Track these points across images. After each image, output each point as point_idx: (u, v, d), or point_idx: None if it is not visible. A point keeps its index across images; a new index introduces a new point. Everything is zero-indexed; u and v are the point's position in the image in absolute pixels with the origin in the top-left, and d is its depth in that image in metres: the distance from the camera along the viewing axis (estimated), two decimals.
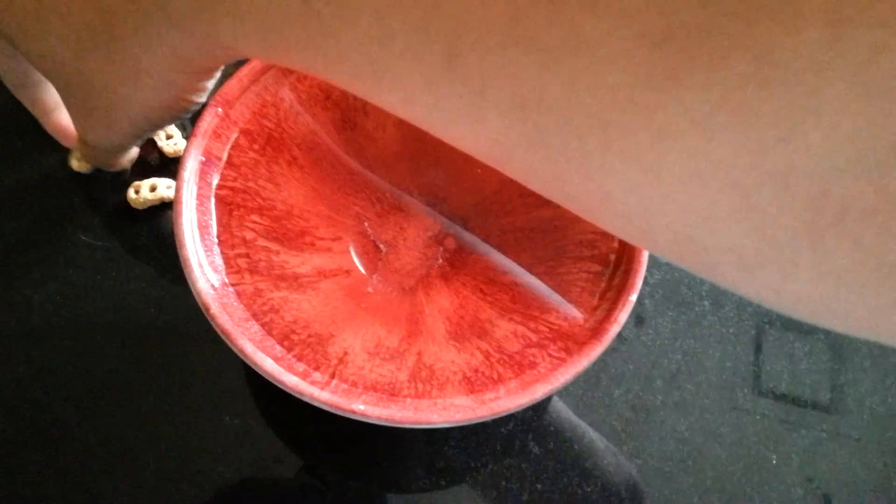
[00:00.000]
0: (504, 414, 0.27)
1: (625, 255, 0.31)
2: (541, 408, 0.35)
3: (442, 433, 0.34)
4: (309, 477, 0.33)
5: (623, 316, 0.29)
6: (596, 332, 0.29)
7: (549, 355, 0.29)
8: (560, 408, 0.35)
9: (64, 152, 0.39)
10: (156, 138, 0.40)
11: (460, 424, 0.27)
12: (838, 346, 0.38)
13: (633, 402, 0.36)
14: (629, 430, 0.35)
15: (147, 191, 0.38)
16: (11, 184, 0.38)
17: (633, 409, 0.36)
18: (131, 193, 0.38)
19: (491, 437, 0.34)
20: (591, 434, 0.35)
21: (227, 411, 0.34)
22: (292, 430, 0.34)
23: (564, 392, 0.36)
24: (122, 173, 0.39)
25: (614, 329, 0.29)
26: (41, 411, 0.33)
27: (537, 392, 0.27)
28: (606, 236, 0.32)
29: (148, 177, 0.38)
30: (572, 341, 0.29)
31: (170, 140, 0.39)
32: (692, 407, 0.36)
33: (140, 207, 0.38)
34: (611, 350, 0.37)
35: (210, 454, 0.33)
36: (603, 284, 0.31)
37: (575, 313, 0.31)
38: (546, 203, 0.35)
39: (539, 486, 0.34)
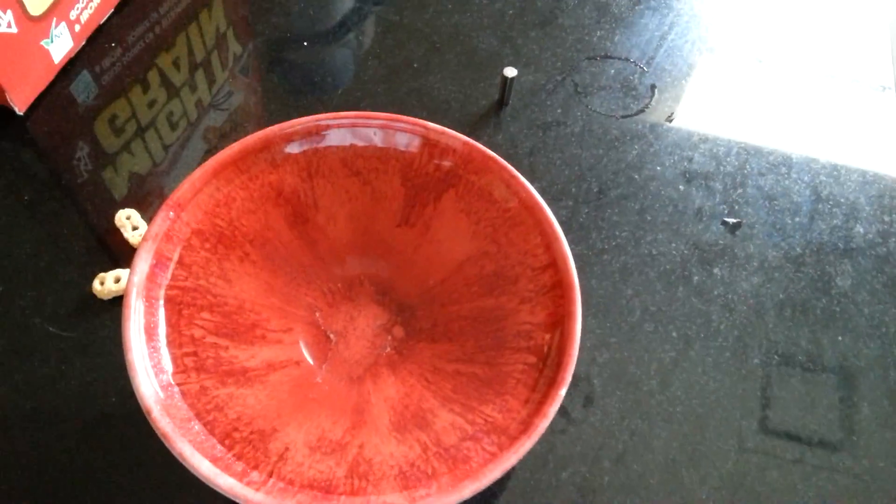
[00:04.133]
0: None
1: (556, 348, 0.32)
2: (487, 492, 0.36)
3: None
4: None
5: (552, 410, 0.30)
6: (526, 426, 0.30)
7: (483, 449, 0.30)
8: (507, 491, 0.36)
9: (32, 242, 0.41)
10: (122, 230, 0.42)
11: None
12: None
13: (579, 483, 0.37)
14: None
15: (112, 282, 0.39)
16: None
17: (580, 492, 0.36)
18: (96, 285, 0.39)
19: None
20: None
21: (184, 501, 0.35)
22: None
23: (511, 474, 0.37)
24: (87, 265, 0.41)
25: (543, 424, 0.30)
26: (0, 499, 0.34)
27: (465, 490, 0.28)
28: (541, 328, 0.33)
29: (113, 268, 0.40)
30: (505, 435, 0.30)
31: (135, 231, 0.41)
32: (638, 488, 0.37)
33: (105, 298, 0.39)
34: (559, 431, 0.38)
35: None
36: (536, 377, 0.32)
37: (510, 405, 0.32)
38: (488, 293, 0.36)
39: None
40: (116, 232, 0.42)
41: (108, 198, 0.44)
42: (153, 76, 0.53)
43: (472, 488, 0.28)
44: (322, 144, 0.37)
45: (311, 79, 0.51)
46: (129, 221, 0.42)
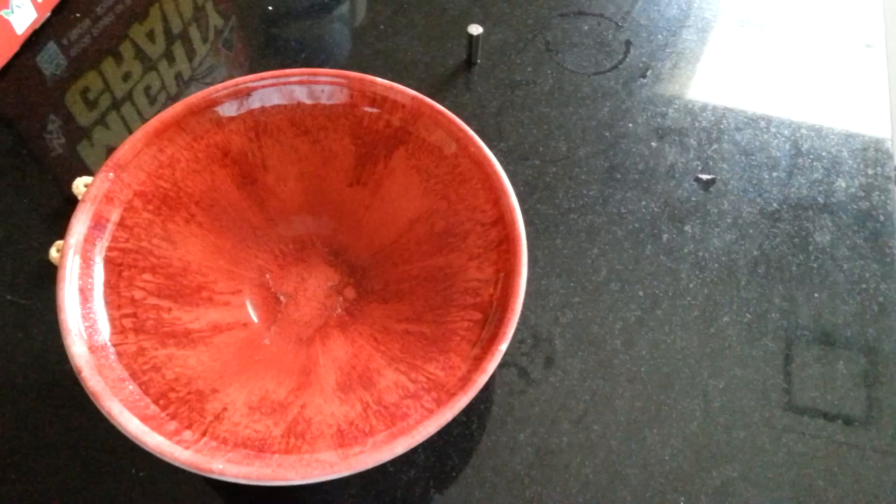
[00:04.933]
0: (363, 469, 0.27)
1: (499, 304, 0.31)
2: (444, 454, 0.35)
3: (343, 480, 0.35)
4: None
5: (491, 366, 0.29)
6: (465, 382, 0.29)
7: (422, 406, 0.30)
8: (462, 452, 0.35)
9: None
10: (78, 196, 0.41)
11: (318, 481, 0.27)
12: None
13: (537, 445, 0.36)
14: (532, 474, 0.35)
15: None
16: None
17: (538, 453, 0.36)
18: (53, 252, 0.39)
19: (392, 484, 0.35)
20: (494, 479, 0.35)
21: (136, 465, 0.35)
22: (198, 482, 0.34)
23: (468, 436, 0.36)
24: (46, 234, 0.41)
25: (482, 379, 0.29)
26: None
27: (397, 447, 0.27)
28: (487, 284, 0.32)
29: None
30: (444, 392, 0.30)
31: None
32: (598, 449, 0.36)
33: None
34: (518, 392, 0.37)
35: None
36: (479, 332, 0.31)
37: (453, 363, 0.31)
38: (438, 251, 0.35)
39: None
40: (75, 200, 0.42)
41: (76, 168, 0.44)
42: (126, 48, 0.53)
43: (404, 444, 0.28)
44: (267, 104, 0.36)
45: (303, 46, 0.50)
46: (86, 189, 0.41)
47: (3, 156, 0.44)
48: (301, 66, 0.49)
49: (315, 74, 0.35)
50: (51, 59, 0.50)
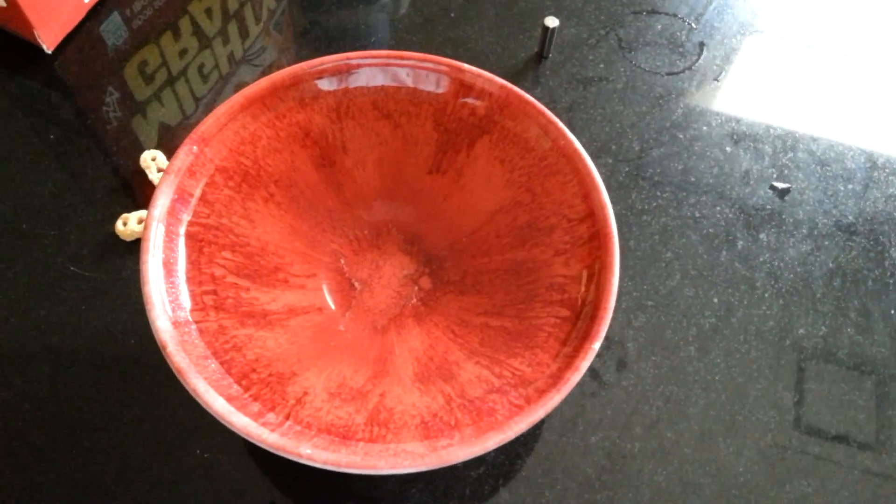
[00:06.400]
0: (454, 463, 0.26)
1: (591, 301, 0.30)
2: (513, 453, 0.35)
3: (410, 474, 0.34)
4: None
5: (584, 364, 0.28)
6: (556, 380, 0.28)
7: (510, 402, 0.29)
8: (532, 453, 0.35)
9: (56, 182, 0.40)
10: (147, 171, 0.41)
11: (408, 472, 0.26)
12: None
13: (609, 449, 0.35)
14: (603, 478, 0.34)
15: (135, 223, 0.38)
16: (6, 210, 0.40)
17: (609, 457, 0.35)
18: (119, 226, 0.38)
19: (460, 480, 0.34)
20: (564, 482, 0.34)
21: (199, 444, 0.34)
22: (261, 467, 0.34)
23: (538, 436, 0.35)
24: (111, 206, 0.40)
25: (574, 377, 0.28)
26: (16, 437, 0.34)
27: (489, 441, 0.27)
28: (576, 281, 0.31)
29: (137, 210, 0.39)
30: (533, 389, 0.29)
31: (160, 173, 0.40)
32: (671, 456, 0.35)
33: (128, 239, 0.39)
34: (590, 394, 0.36)
35: (178, 487, 0.33)
36: (569, 330, 0.30)
37: (540, 359, 0.30)
38: (521, 245, 0.34)
39: None
40: (141, 173, 0.41)
41: (135, 142, 0.43)
42: (185, 24, 0.52)
43: (496, 440, 0.27)
44: (352, 84, 0.35)
45: (345, 34, 0.49)
46: (154, 163, 0.41)
47: (67, 126, 0.44)
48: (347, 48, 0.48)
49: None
50: (114, 30, 0.49)
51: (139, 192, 0.41)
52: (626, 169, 0.43)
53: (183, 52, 0.50)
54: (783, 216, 0.42)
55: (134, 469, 0.33)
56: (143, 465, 0.33)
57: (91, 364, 0.36)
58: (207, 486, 0.33)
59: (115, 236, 0.39)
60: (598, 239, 0.31)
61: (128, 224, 0.38)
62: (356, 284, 0.35)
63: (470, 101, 0.35)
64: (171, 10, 0.51)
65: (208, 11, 0.53)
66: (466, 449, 0.27)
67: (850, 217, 0.43)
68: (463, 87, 0.35)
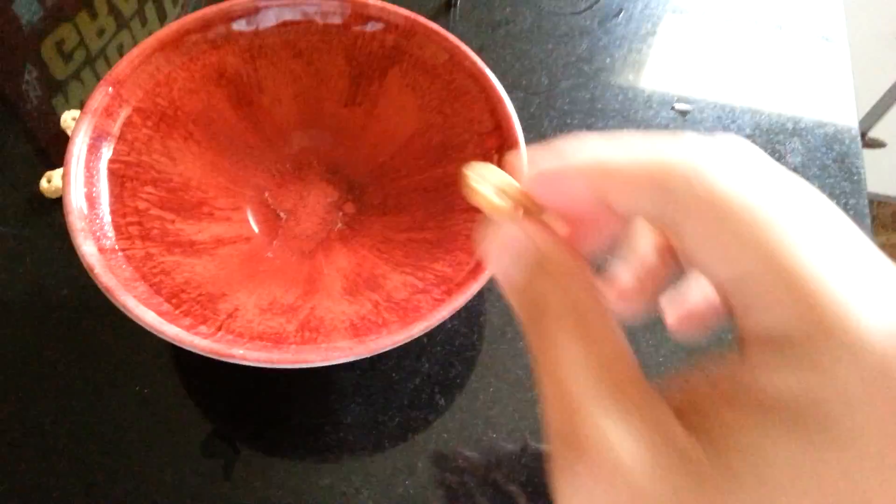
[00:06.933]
0: (383, 350, 0.28)
1: None
2: (447, 363, 0.36)
3: (349, 390, 0.35)
4: (218, 441, 0.34)
5: None
6: (474, 272, 0.30)
7: (433, 298, 0.31)
8: (466, 361, 0.36)
9: None
10: (68, 131, 0.41)
11: (339, 362, 0.28)
12: None
13: None
14: (533, 376, 0.36)
15: (58, 179, 0.39)
16: None
17: None
18: (44, 183, 0.39)
19: (398, 392, 0.35)
20: (497, 384, 0.36)
21: (138, 381, 0.35)
22: (203, 397, 0.35)
23: (470, 347, 0.37)
24: (35, 167, 0.40)
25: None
26: None
27: (414, 329, 0.28)
28: None
29: (59, 166, 0.40)
30: (453, 283, 0.31)
31: None
32: None
33: (53, 196, 0.39)
34: None
35: (120, 422, 0.34)
36: None
37: (460, 260, 0.32)
38: (437, 163, 0.36)
39: (445, 436, 0.35)
40: (63, 135, 0.41)
41: (55, 112, 0.44)
42: (100, 3, 0.52)
43: (420, 327, 0.28)
44: (262, 25, 0.36)
45: None
46: (75, 122, 0.41)
47: None
48: None
49: None
50: (27, 6, 0.50)
51: (62, 152, 0.41)
52: (538, 101, 0.46)
53: (100, 32, 0.51)
54: (686, 133, 0.45)
55: (76, 411, 0.34)
56: (85, 406, 0.34)
57: (25, 317, 0.36)
58: (145, 421, 0.34)
59: (40, 195, 0.39)
60: (506, 147, 0.33)
61: (52, 181, 0.39)
62: (281, 214, 0.37)
63: (378, 29, 0.37)
64: None
65: None
66: (393, 338, 0.28)
67: (748, 129, 0.45)
68: (370, 20, 0.37)
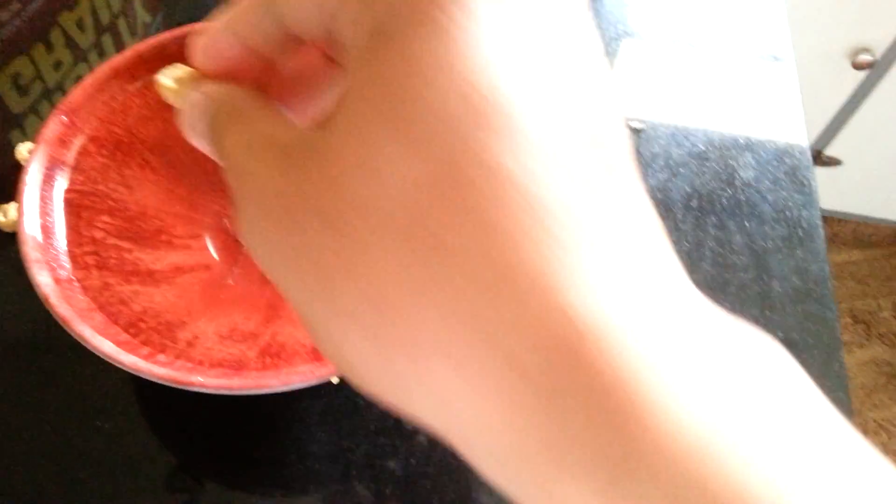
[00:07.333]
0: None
1: None
2: None
3: (314, 419, 0.35)
4: (183, 475, 0.33)
5: None
6: None
7: None
8: None
9: None
10: (23, 163, 0.40)
11: (300, 386, 0.28)
12: None
13: None
14: None
15: (14, 212, 0.38)
16: None
17: None
18: (0, 217, 0.38)
19: (364, 418, 0.35)
20: None
21: (100, 415, 0.34)
22: (166, 431, 0.34)
23: None
24: None
25: None
26: None
27: None
28: None
29: (15, 200, 0.39)
30: None
31: None
32: None
33: (9, 230, 0.38)
34: None
35: (81, 457, 0.33)
36: None
37: None
38: None
39: (413, 462, 0.34)
40: (19, 167, 0.41)
41: (12, 146, 0.43)
42: (56, 36, 0.52)
43: None
44: None
45: None
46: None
47: None
48: None
49: None
50: None
51: (18, 184, 0.40)
52: None
53: (57, 65, 0.50)
54: (640, 151, 0.46)
55: (36, 450, 0.33)
56: (45, 443, 0.33)
57: None
58: (108, 455, 0.33)
59: None
60: None
61: (8, 215, 0.38)
62: (242, 240, 0.36)
63: None
64: (40, 21, 0.51)
65: (80, 24, 0.53)
66: None
67: (701, 145, 0.47)
68: None
